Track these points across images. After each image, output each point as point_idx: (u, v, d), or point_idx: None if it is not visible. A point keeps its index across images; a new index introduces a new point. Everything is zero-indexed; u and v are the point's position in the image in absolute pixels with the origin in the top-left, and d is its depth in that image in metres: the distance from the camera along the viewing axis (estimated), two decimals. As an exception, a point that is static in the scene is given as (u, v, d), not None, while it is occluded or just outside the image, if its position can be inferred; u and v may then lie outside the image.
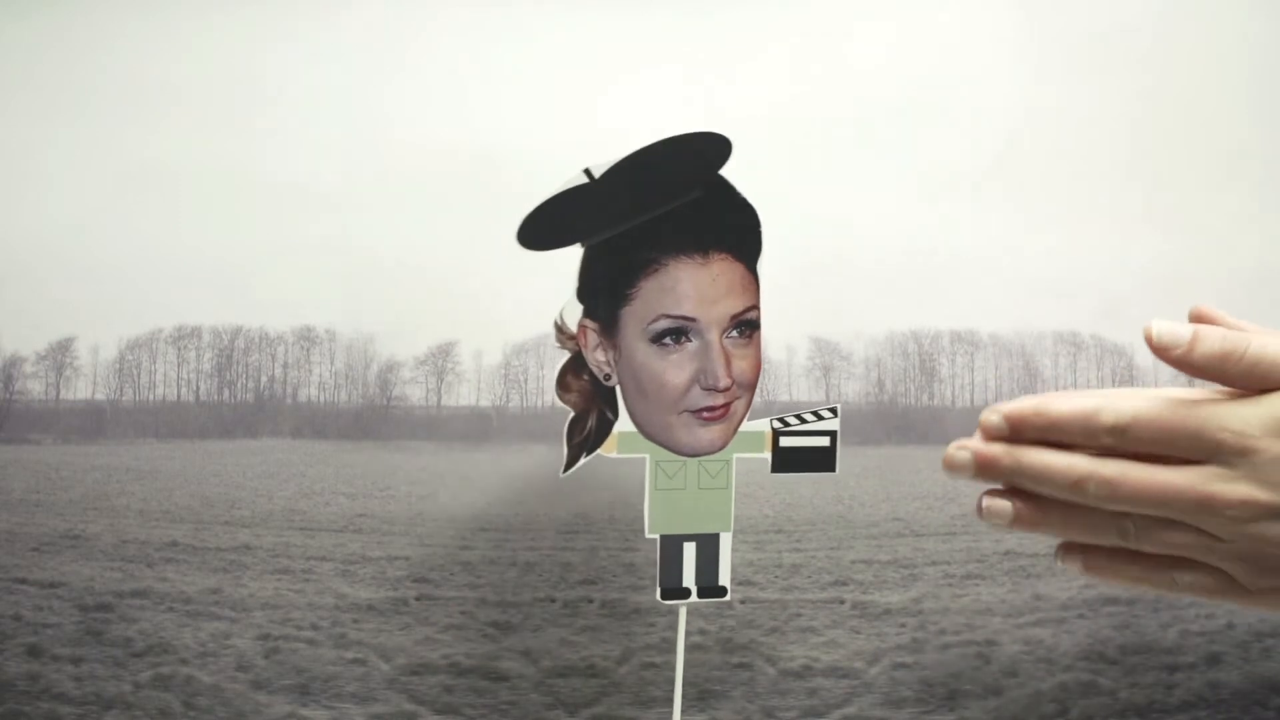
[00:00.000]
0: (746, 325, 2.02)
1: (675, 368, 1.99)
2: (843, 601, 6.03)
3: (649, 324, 1.98)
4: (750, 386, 2.05)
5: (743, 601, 6.02)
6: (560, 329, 2.08)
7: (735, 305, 1.99)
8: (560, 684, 3.98)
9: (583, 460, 2.11)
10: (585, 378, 2.09)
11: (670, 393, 2.00)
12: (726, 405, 2.02)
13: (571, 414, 2.10)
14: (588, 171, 1.94)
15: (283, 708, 3.62)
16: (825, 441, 2.17)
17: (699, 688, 3.90)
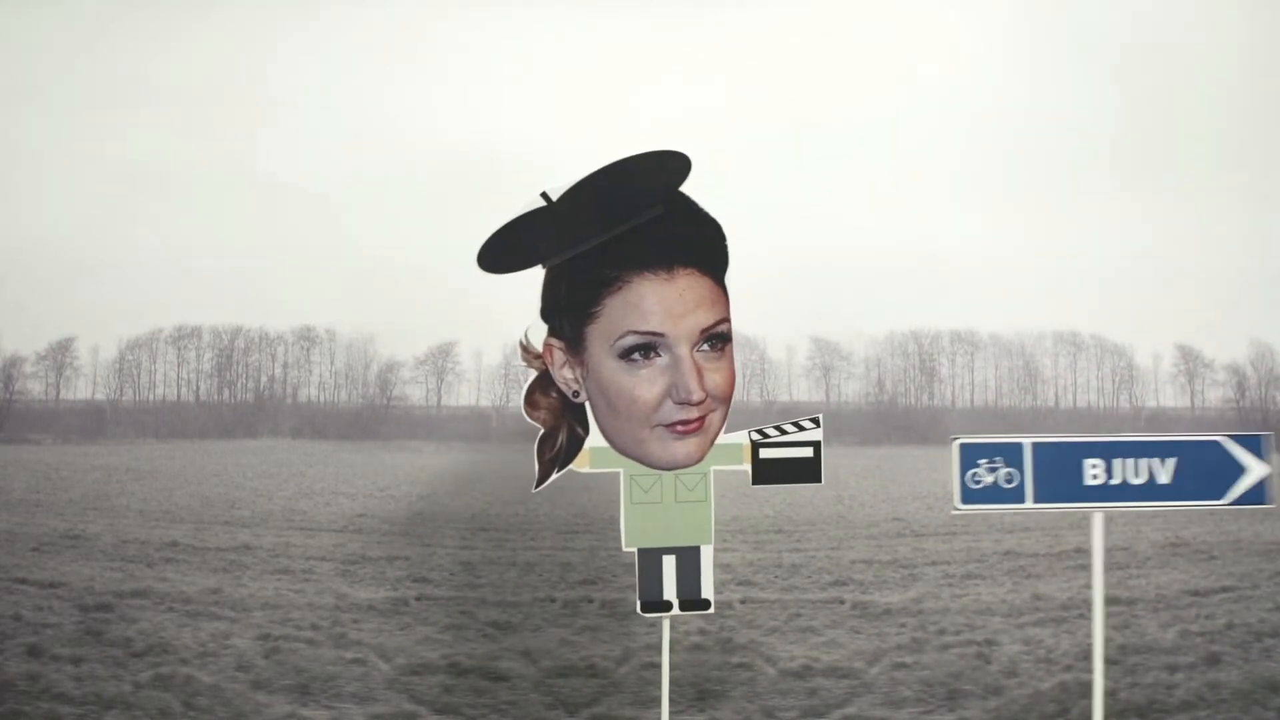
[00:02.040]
0: (718, 338, 2.03)
1: (645, 383, 2.00)
2: (843, 601, 6.03)
3: (616, 340, 1.99)
4: (725, 399, 2.06)
5: (743, 601, 6.02)
6: (526, 348, 2.11)
7: (705, 319, 2.00)
8: (560, 684, 3.97)
9: (555, 476, 2.13)
10: (553, 395, 2.12)
11: (641, 408, 2.01)
12: (701, 419, 2.03)
13: (541, 431, 2.13)
14: (545, 195, 1.96)
15: (283, 708, 3.62)
16: (809, 452, 2.16)
17: (699, 688, 3.90)
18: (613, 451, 2.09)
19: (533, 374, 2.14)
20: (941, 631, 4.91)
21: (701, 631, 4.73)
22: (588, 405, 2.09)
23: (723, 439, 2.11)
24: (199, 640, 4.54)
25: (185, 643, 4.47)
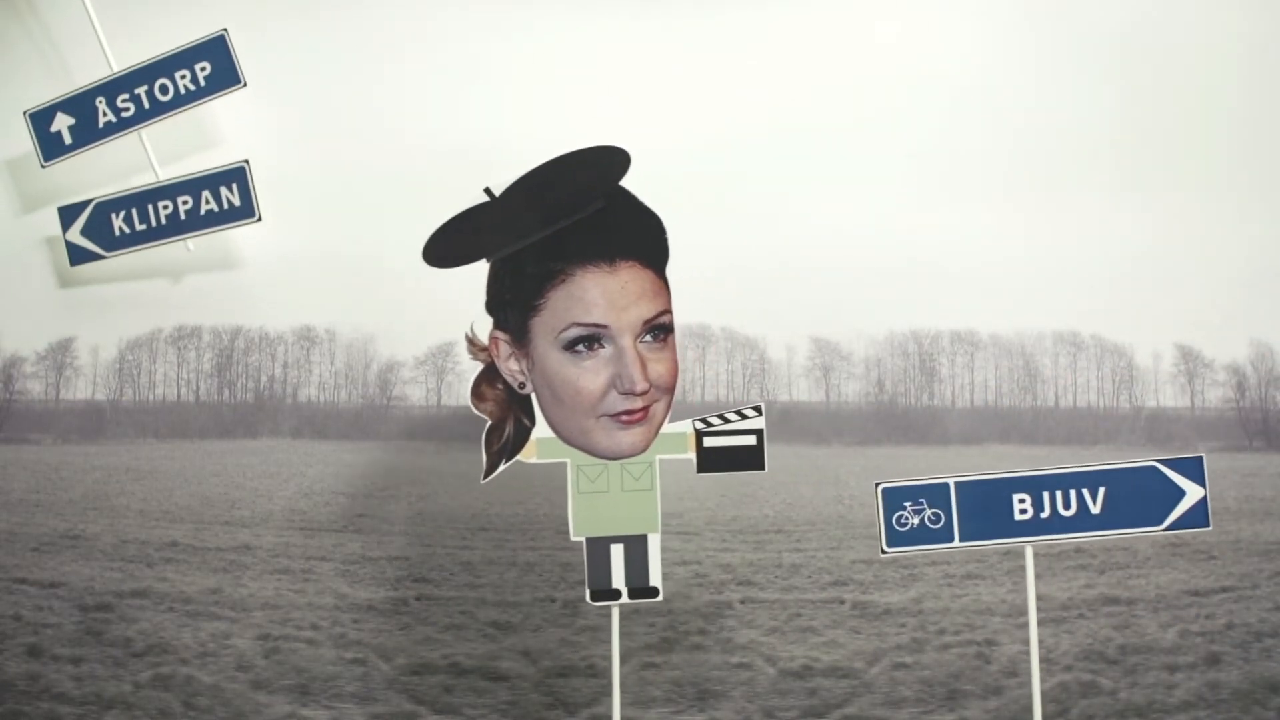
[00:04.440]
0: (660, 329, 2.07)
1: (590, 374, 2.03)
2: (843, 601, 6.01)
3: (560, 332, 2.02)
4: (669, 389, 2.09)
5: (743, 601, 6.01)
6: (472, 341, 2.14)
7: (647, 310, 2.03)
8: (560, 684, 3.98)
9: (503, 466, 2.17)
10: (500, 386, 2.16)
11: (586, 398, 2.04)
12: (645, 408, 2.06)
13: (489, 422, 2.16)
14: (488, 190, 1.99)
15: (283, 708, 3.63)
16: (752, 440, 2.20)
17: (699, 687, 3.91)
18: (559, 442, 2.14)
19: (479, 366, 2.17)
20: (941, 631, 4.91)
21: (701, 631, 4.74)
22: (533, 396, 2.12)
23: (667, 428, 2.15)
24: (199, 640, 4.54)
25: (185, 643, 4.48)
